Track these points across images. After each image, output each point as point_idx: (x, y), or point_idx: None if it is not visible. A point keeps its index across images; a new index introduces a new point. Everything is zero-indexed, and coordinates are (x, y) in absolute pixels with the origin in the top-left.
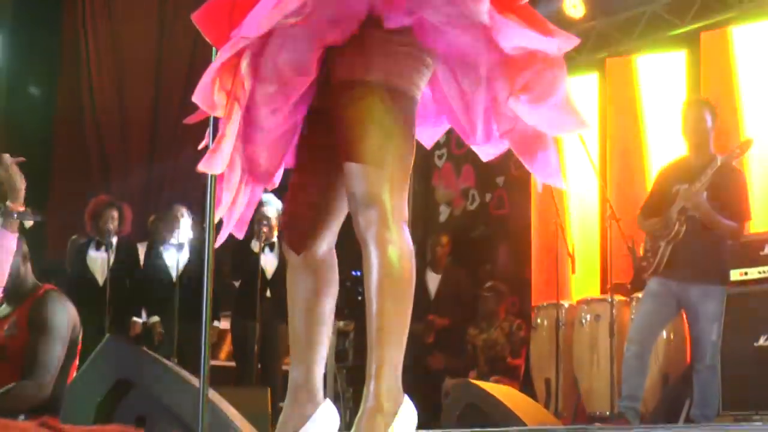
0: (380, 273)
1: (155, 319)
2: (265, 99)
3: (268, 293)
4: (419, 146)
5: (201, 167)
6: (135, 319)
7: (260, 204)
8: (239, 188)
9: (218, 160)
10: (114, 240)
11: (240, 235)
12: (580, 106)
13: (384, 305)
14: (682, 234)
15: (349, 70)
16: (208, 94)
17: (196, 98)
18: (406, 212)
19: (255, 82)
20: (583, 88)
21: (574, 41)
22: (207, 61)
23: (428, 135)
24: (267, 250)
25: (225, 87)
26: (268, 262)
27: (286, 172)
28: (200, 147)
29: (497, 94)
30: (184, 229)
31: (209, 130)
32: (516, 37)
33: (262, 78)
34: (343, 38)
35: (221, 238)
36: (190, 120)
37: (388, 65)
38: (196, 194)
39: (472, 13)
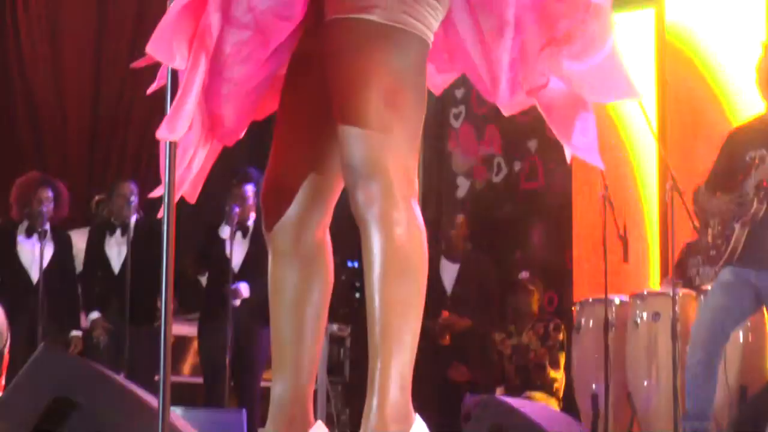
0: (384, 261)
1: (95, 315)
2: (237, 47)
3: (243, 291)
4: (430, 103)
5: (161, 134)
6: (74, 333)
7: (233, 180)
8: (197, 148)
9: (180, 123)
10: (47, 226)
11: (192, 200)
12: (630, 67)
13: (389, 302)
14: (762, 213)
15: (343, 5)
16: (167, 43)
17: (152, 48)
18: (415, 185)
19: (225, 26)
20: (635, 27)
21: None
22: (157, 16)
23: (438, 80)
24: (239, 235)
25: (186, 33)
26: (238, 250)
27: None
28: (149, 91)
29: (527, 45)
30: (134, 211)
31: (168, 82)
32: None
33: (235, 22)
34: None
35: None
36: (139, 64)
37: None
38: (147, 171)
39: None
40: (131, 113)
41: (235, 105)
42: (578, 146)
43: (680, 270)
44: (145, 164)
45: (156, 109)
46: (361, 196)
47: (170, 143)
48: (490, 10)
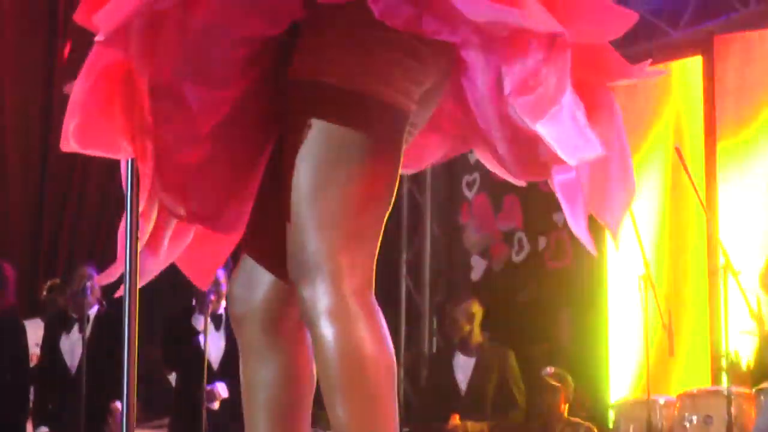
0: (338, 370)
1: (43, 430)
2: (170, 124)
3: (220, 391)
4: (442, 171)
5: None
6: None
7: None
8: (181, 232)
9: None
10: None
11: (204, 286)
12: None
13: (349, 418)
14: None
15: (300, 66)
16: (99, 132)
17: (73, 144)
18: (371, 275)
19: (150, 97)
20: (681, 78)
21: (624, 21)
22: None
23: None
24: (212, 327)
25: (117, 117)
26: (214, 344)
27: None
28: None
29: (505, 91)
30: (94, 300)
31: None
32: (486, 8)
33: (160, 95)
34: (279, 25)
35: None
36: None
37: (353, 58)
38: (106, 251)
39: None
40: (86, 183)
41: (203, 192)
42: (574, 223)
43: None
44: (102, 243)
45: (114, 174)
46: (307, 293)
47: (130, 216)
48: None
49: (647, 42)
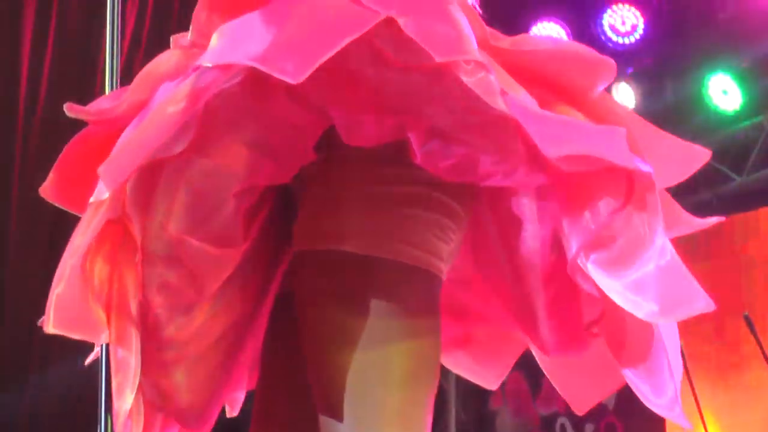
0: None
1: None
2: (164, 293)
3: None
4: None
5: None
6: None
7: None
8: None
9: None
10: None
11: None
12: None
13: None
14: None
15: (310, 232)
16: (72, 313)
17: (55, 327)
18: None
19: (143, 263)
20: (747, 232)
21: (696, 160)
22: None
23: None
24: None
25: (98, 288)
26: None
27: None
28: (88, 362)
29: (568, 249)
30: None
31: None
32: (563, 137)
33: (152, 257)
34: (288, 171)
35: None
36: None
37: (375, 219)
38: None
39: (485, 98)
40: (48, 354)
41: (188, 375)
42: (658, 404)
43: None
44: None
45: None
46: None
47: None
48: (499, 205)
49: (707, 190)
